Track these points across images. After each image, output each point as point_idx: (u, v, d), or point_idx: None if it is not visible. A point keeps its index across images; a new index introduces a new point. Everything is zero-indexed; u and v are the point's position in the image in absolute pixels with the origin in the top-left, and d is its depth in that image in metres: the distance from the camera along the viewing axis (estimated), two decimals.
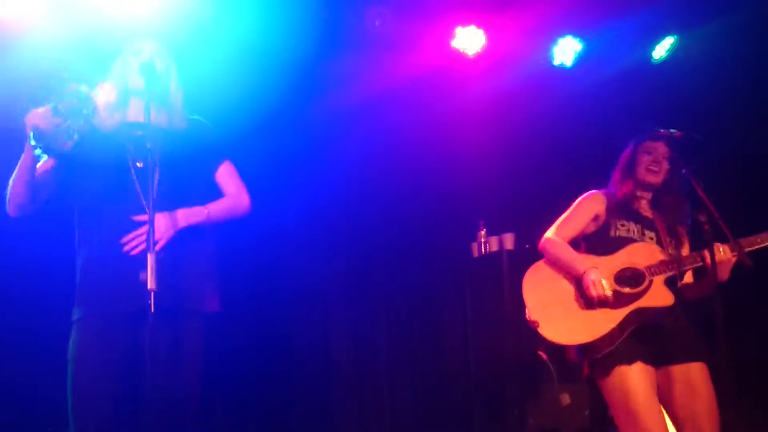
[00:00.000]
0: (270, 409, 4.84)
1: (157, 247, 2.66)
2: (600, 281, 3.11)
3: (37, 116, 2.59)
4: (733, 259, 3.10)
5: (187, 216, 2.86)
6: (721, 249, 3.07)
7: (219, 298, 2.95)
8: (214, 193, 3.05)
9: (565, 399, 4.72)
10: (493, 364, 5.16)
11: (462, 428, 5.19)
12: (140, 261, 2.60)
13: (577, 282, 3.19)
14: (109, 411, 2.69)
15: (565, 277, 3.23)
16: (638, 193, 3.37)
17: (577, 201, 3.41)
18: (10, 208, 2.85)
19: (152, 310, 2.51)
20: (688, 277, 3.33)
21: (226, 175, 3.07)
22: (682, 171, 3.17)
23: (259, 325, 4.82)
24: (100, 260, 2.80)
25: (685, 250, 3.33)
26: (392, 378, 5.30)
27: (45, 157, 2.78)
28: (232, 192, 3.05)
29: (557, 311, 3.16)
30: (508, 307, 4.91)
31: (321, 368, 5.10)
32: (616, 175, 3.44)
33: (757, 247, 3.13)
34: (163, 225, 2.79)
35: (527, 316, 3.21)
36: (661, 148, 3.34)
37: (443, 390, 5.31)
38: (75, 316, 2.81)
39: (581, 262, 3.20)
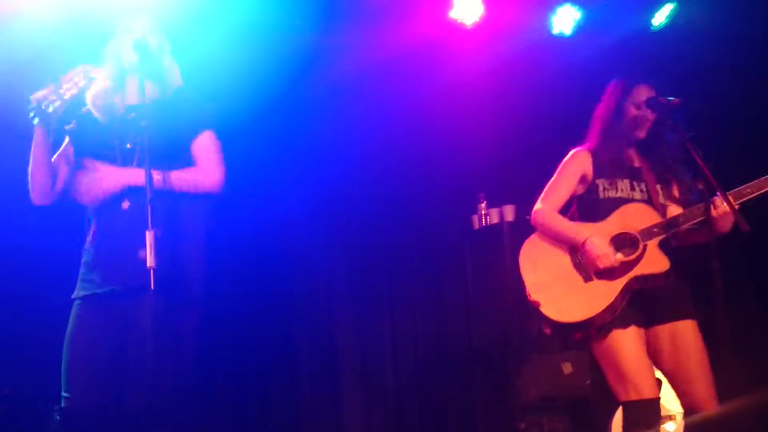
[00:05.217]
0: (272, 374, 4.92)
1: (96, 197, 2.70)
2: (608, 253, 3.04)
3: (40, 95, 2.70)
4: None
5: (138, 174, 2.72)
6: (729, 198, 2.95)
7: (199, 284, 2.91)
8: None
9: (567, 368, 4.73)
10: (495, 335, 5.19)
11: (464, 398, 5.23)
12: (125, 245, 2.69)
13: (573, 252, 3.15)
14: (100, 378, 2.73)
15: (560, 249, 3.18)
16: (625, 145, 3.24)
17: (561, 164, 3.30)
18: (33, 196, 2.88)
19: (152, 287, 2.53)
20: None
21: (201, 147, 2.91)
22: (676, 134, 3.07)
23: (262, 297, 4.86)
24: (90, 243, 2.87)
25: (676, 195, 3.22)
26: (395, 349, 5.34)
27: (65, 142, 2.82)
28: (202, 165, 2.89)
29: (557, 289, 3.11)
30: (508, 278, 4.91)
31: (324, 338, 5.15)
32: (597, 129, 3.30)
33: (748, 197, 3.03)
34: (109, 178, 2.75)
35: (528, 296, 3.16)
36: (644, 95, 3.19)
37: (445, 360, 5.35)
38: (73, 295, 2.88)
39: (579, 231, 3.13)
